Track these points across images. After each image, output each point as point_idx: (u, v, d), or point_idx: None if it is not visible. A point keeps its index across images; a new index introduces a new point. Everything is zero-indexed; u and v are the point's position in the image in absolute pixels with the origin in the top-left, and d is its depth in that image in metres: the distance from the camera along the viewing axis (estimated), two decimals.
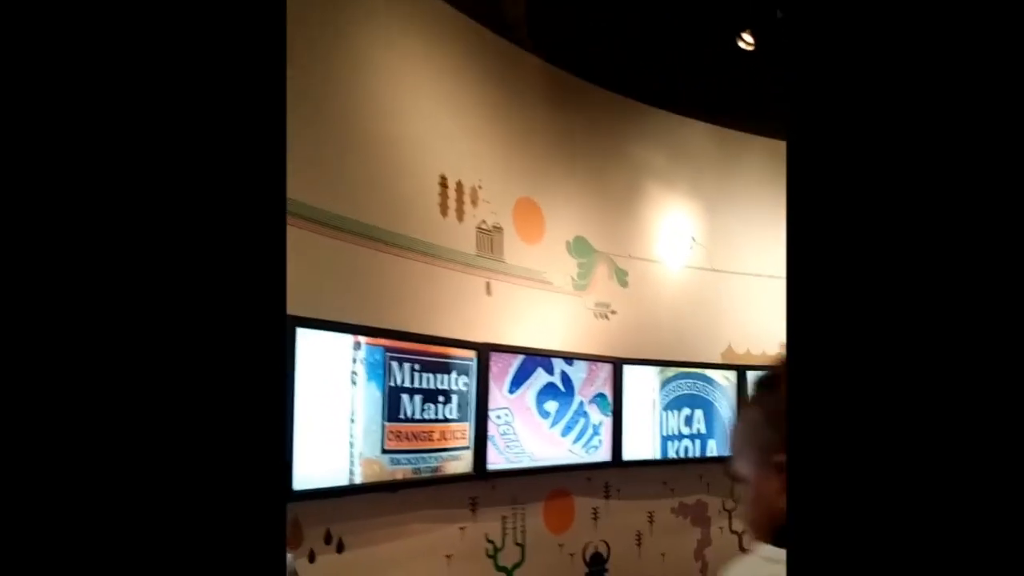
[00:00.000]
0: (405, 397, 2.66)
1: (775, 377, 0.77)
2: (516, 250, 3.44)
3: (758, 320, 4.44)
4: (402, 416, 2.64)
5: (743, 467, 0.80)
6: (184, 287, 0.54)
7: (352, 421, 2.46)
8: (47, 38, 0.52)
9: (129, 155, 0.54)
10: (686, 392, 4.09)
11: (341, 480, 2.42)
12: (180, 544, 0.53)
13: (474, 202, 3.24)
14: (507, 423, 3.17)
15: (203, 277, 0.55)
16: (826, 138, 0.57)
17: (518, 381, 3.23)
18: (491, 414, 3.06)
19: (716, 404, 4.19)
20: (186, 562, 0.53)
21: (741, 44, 3.90)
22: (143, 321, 0.53)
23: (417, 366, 2.72)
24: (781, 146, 3.64)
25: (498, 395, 3.13)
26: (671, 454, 3.99)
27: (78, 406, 0.51)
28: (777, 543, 0.76)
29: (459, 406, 2.91)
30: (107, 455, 0.52)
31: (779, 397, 0.73)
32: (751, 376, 4.18)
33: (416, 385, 2.71)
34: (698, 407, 4.12)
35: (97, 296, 0.52)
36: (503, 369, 3.17)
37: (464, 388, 2.95)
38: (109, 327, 0.52)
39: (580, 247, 3.81)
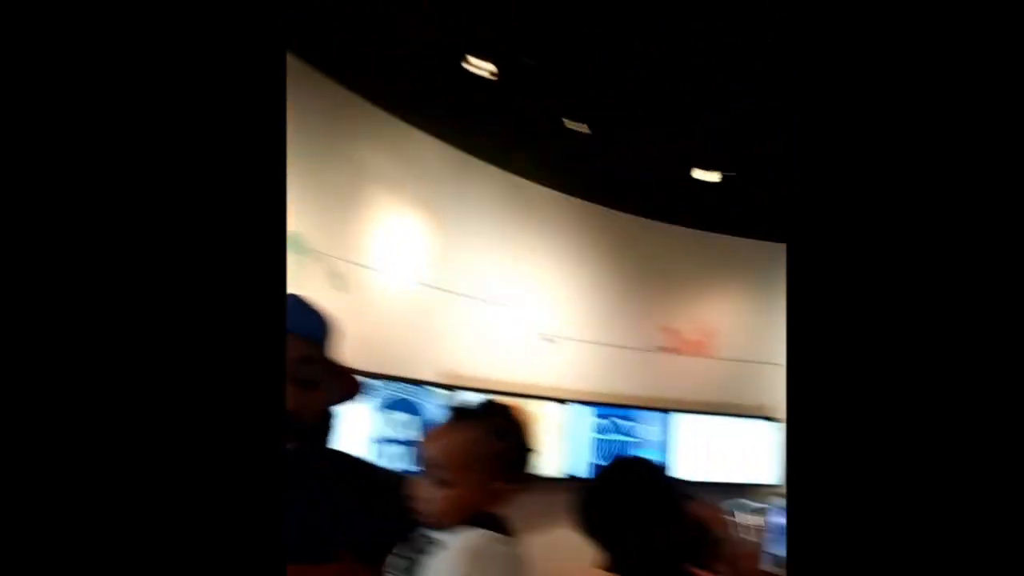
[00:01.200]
0: None
1: (512, 431, 1.00)
2: None
3: (483, 345, 4.38)
4: None
5: (459, 480, 0.96)
6: (177, 280, 0.58)
7: None
8: (48, 47, 0.55)
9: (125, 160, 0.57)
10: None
11: None
12: (180, 546, 0.56)
13: None
14: None
15: (200, 274, 0.59)
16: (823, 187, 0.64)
17: None
18: None
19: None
20: (187, 563, 0.57)
21: (472, 68, 3.79)
22: (144, 327, 0.56)
23: None
24: (518, 182, 3.64)
25: None
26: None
27: (74, 407, 0.55)
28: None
29: None
30: (109, 460, 0.55)
31: (512, 446, 0.98)
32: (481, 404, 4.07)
33: None
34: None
35: (96, 299, 0.56)
36: None
37: None
38: (111, 336, 0.56)
39: (292, 243, 3.52)
